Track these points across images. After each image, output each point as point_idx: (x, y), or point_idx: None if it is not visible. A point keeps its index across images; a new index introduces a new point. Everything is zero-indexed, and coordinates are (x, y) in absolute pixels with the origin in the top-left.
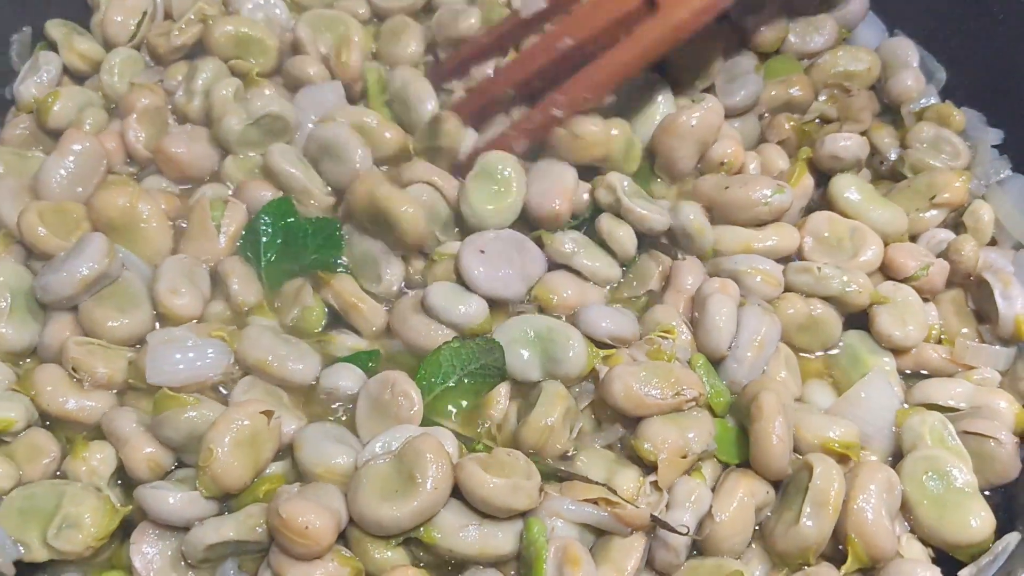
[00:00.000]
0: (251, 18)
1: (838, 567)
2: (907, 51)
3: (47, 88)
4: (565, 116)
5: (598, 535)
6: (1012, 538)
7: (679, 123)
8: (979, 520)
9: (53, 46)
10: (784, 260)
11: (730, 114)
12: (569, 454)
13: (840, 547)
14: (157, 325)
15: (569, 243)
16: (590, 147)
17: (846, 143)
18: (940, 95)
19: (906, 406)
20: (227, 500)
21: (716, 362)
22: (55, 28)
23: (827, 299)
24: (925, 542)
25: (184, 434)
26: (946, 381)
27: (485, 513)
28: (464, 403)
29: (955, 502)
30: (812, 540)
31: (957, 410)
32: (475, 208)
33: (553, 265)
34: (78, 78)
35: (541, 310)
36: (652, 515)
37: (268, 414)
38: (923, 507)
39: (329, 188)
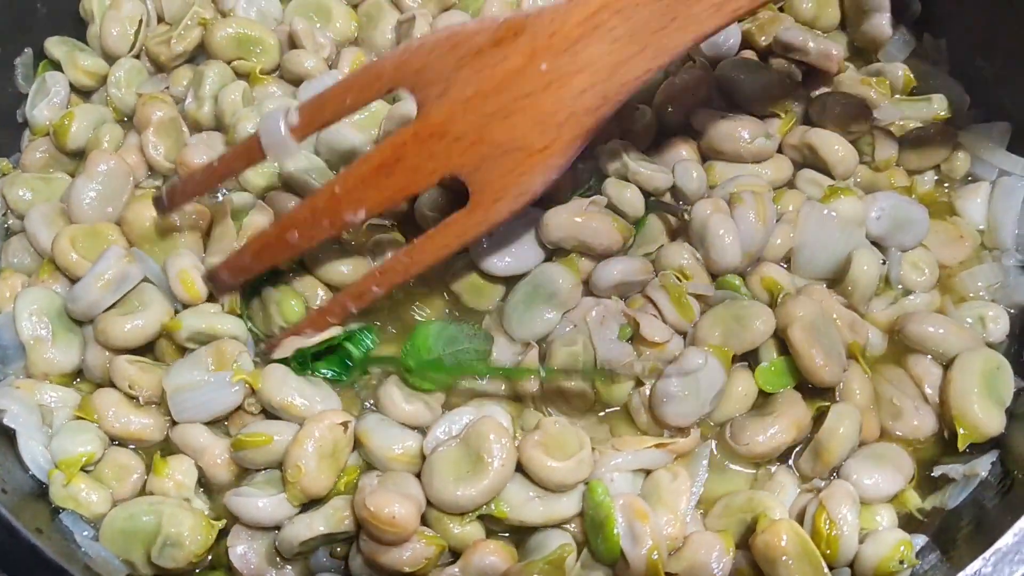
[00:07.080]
0: (247, 17)
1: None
2: None
3: (59, 109)
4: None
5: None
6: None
7: None
8: None
9: (56, 65)
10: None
11: None
12: None
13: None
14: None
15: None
16: None
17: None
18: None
19: None
20: None
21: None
22: (56, 47)
23: None
24: None
25: (267, 460)
26: None
27: None
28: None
29: None
30: None
31: None
32: None
33: None
34: (84, 93)
35: None
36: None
37: (345, 424)
38: None
39: None
